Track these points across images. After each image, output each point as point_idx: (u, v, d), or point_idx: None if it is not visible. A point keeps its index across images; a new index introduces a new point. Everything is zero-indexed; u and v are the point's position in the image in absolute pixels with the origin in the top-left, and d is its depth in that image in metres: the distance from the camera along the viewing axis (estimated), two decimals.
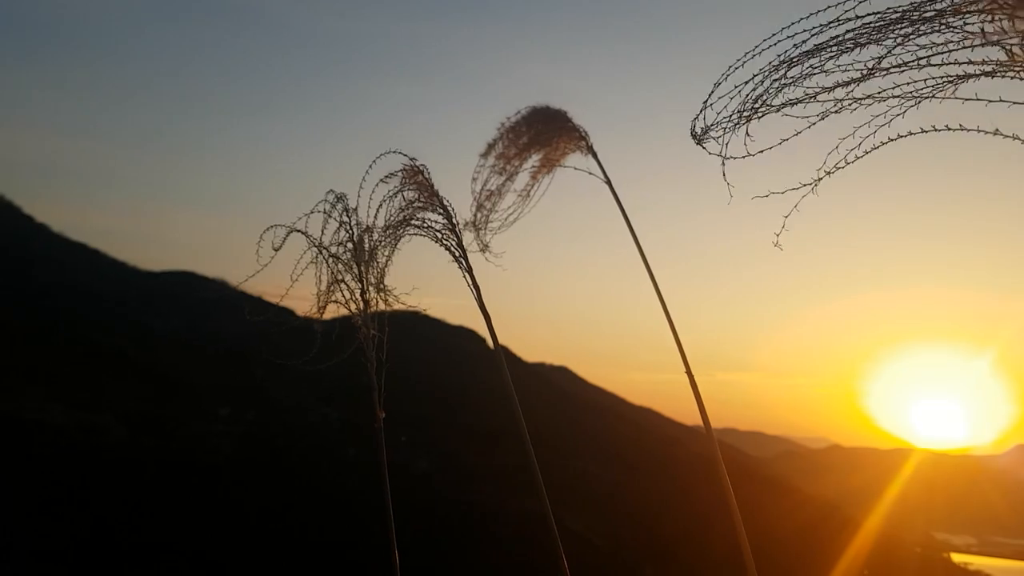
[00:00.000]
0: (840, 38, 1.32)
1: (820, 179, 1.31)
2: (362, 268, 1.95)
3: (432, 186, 1.90)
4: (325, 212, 1.95)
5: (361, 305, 1.94)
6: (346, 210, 1.95)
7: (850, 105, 1.30)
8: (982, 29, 1.18)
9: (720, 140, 1.46)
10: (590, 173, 1.80)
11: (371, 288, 1.94)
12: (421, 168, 1.91)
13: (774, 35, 1.35)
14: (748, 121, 1.41)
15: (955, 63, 1.19)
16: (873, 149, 1.24)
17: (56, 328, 36.93)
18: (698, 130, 1.58)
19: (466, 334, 58.84)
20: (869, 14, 1.28)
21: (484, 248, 1.90)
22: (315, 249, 1.94)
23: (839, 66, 1.31)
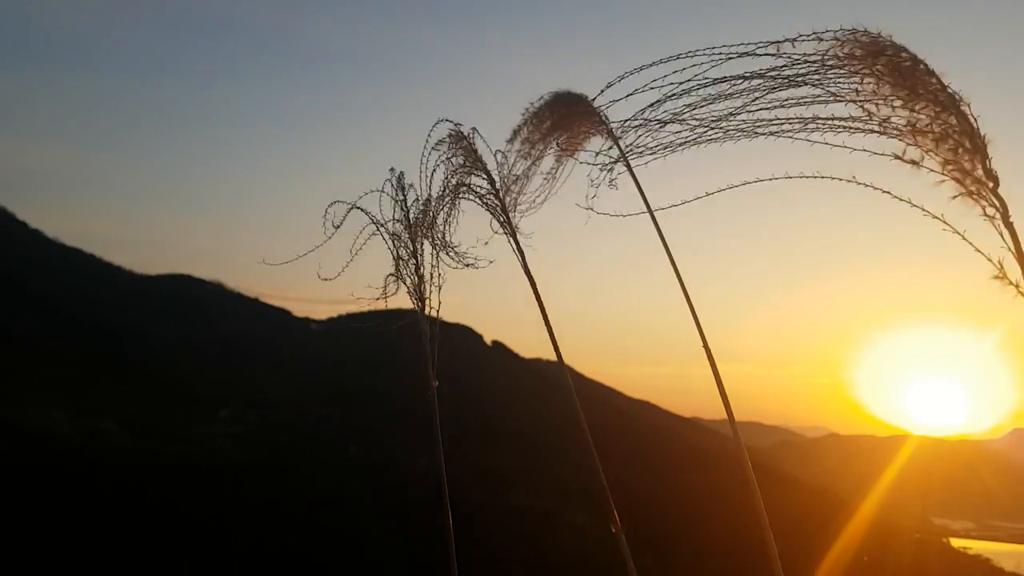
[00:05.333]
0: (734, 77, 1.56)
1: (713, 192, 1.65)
2: (419, 258, 2.02)
3: (476, 150, 1.92)
4: (389, 192, 2.00)
5: (419, 303, 2.04)
6: (402, 187, 1.99)
7: (735, 134, 1.58)
8: (856, 89, 1.41)
9: (636, 134, 1.74)
10: (610, 158, 1.83)
11: (428, 284, 2.02)
12: (467, 133, 1.92)
13: (687, 55, 1.58)
14: (662, 125, 1.68)
15: (831, 120, 1.46)
16: (761, 181, 1.55)
17: (55, 334, 36.98)
18: (615, 123, 1.82)
19: (463, 331, 59.00)
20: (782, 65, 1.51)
21: (515, 231, 1.94)
22: (374, 226, 2.00)
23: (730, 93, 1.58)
